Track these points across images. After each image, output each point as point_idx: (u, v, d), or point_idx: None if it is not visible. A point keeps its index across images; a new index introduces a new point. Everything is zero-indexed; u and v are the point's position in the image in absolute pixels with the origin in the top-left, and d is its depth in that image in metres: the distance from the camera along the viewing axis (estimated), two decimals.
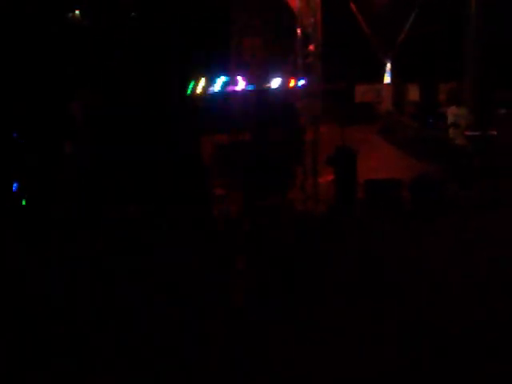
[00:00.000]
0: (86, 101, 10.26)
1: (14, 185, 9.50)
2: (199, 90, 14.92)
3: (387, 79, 21.48)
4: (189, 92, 13.49)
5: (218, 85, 15.65)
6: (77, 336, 5.69)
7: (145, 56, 11.71)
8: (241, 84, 14.26)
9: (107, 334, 5.79)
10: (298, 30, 10.79)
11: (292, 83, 13.89)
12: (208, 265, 7.59)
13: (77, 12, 12.66)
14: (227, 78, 14.98)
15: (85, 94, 10.45)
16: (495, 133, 11.93)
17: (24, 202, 9.57)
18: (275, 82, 14.81)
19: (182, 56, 11.90)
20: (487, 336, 5.31)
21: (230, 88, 14.61)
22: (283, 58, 13.22)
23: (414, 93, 21.20)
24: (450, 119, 12.02)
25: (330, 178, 11.01)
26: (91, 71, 10.93)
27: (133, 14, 12.98)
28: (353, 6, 20.30)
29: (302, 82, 11.25)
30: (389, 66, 21.33)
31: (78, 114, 9.65)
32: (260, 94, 13.89)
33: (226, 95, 14.73)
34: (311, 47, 10.71)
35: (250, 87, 14.10)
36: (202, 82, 14.98)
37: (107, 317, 6.17)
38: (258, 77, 13.84)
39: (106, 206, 9.89)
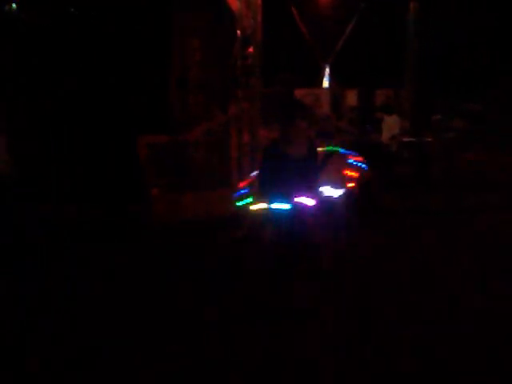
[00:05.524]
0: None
1: None
2: None
3: (326, 84, 21.65)
4: None
5: None
6: None
7: (81, 52, 11.46)
8: None
9: None
10: (238, 32, 10.69)
11: None
12: None
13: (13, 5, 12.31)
14: None
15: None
16: (431, 139, 12.16)
17: None
18: None
19: (120, 53, 11.69)
20: None
21: None
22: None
23: (352, 98, 21.44)
24: (383, 126, 12.32)
25: None
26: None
27: (72, 9, 12.71)
28: (294, 10, 20.38)
29: None
30: (327, 70, 21.50)
31: None
32: None
33: None
34: (251, 49, 10.63)
35: None
36: None
37: None
38: None
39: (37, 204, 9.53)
